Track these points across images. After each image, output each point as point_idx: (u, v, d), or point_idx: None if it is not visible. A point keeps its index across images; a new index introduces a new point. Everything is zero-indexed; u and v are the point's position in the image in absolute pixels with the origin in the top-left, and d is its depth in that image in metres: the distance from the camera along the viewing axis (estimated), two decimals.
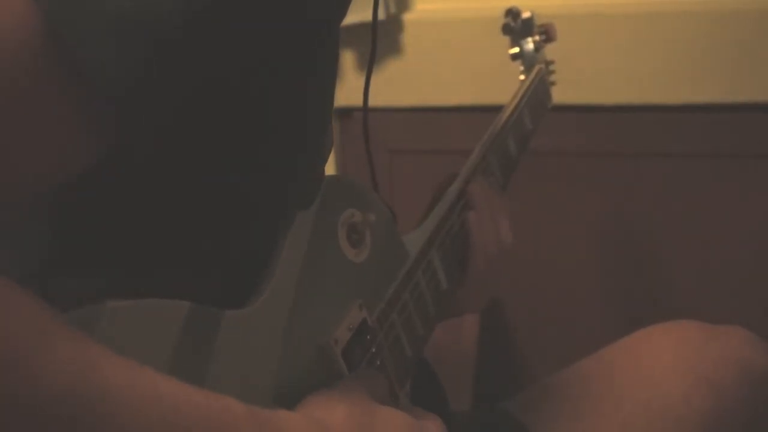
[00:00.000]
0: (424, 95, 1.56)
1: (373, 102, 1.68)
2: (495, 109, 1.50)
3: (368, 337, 0.62)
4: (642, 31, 1.48)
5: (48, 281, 0.50)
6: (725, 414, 0.80)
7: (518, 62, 1.16)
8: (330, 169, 1.75)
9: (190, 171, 0.52)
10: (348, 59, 1.55)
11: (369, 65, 0.78)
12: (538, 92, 1.08)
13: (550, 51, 1.51)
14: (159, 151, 0.50)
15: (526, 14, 1.15)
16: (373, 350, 0.62)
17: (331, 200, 0.60)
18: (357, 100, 1.58)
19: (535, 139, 1.57)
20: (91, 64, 0.42)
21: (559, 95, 1.53)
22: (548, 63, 1.18)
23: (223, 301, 0.51)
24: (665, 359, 0.83)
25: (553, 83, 1.17)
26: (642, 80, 1.50)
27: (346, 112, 1.61)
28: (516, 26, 1.14)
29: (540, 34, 1.16)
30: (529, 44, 1.15)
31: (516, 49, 1.15)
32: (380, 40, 1.62)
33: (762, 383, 0.83)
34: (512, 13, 1.13)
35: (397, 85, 1.55)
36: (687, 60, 1.47)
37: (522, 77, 1.13)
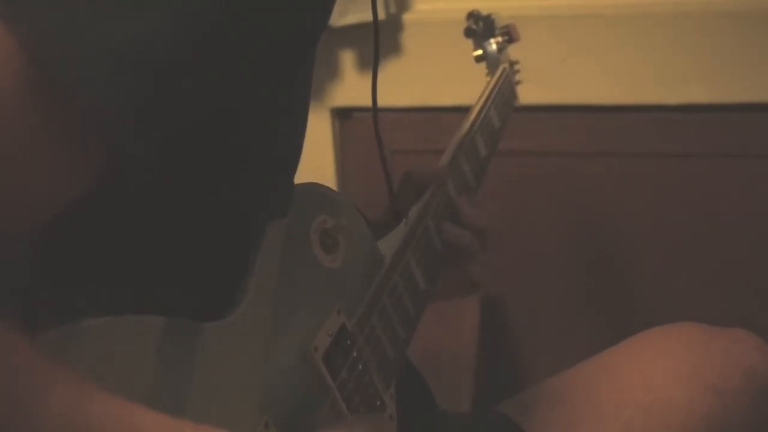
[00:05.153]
0: (424, 95, 1.56)
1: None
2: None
3: (348, 342, 0.62)
4: (642, 32, 1.48)
5: (32, 296, 0.50)
6: (728, 419, 0.78)
7: (483, 64, 1.18)
8: (329, 169, 1.76)
9: (171, 187, 0.52)
10: (348, 59, 1.55)
11: (374, 67, 0.78)
12: (504, 92, 1.09)
13: (551, 52, 1.51)
14: (145, 168, 0.50)
15: (487, 16, 1.16)
16: (355, 355, 0.62)
17: (303, 208, 0.60)
18: (357, 100, 1.58)
19: (535, 139, 1.58)
20: (86, 98, 0.42)
21: (559, 95, 1.53)
22: (512, 63, 1.19)
23: (200, 314, 0.51)
24: (668, 363, 0.82)
25: (518, 82, 1.19)
26: (642, 80, 1.50)
27: (346, 112, 1.61)
28: (478, 29, 1.16)
29: (502, 35, 1.17)
30: (492, 45, 1.16)
31: (479, 51, 1.17)
32: (380, 40, 1.62)
33: (765, 387, 0.81)
34: (473, 15, 1.15)
35: (397, 85, 1.54)
36: (687, 60, 1.47)
37: (488, 78, 1.14)
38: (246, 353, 0.53)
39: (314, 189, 0.62)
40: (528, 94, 1.53)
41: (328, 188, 0.63)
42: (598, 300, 1.64)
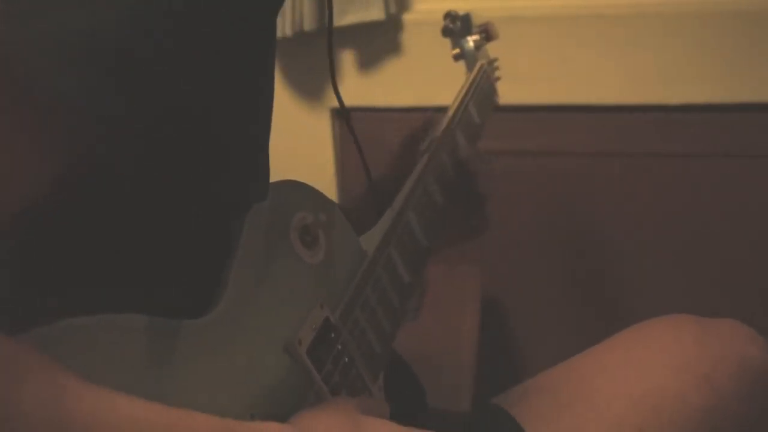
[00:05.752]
0: (424, 95, 1.56)
1: (373, 102, 1.68)
2: (493, 110, 1.49)
3: (332, 334, 0.62)
4: (642, 31, 1.48)
5: (9, 298, 0.50)
6: (721, 410, 0.78)
7: (462, 62, 1.19)
8: (329, 169, 1.75)
9: (150, 181, 0.52)
10: (348, 59, 1.55)
11: (331, 69, 0.79)
12: (482, 88, 1.10)
13: (551, 52, 1.51)
14: (115, 163, 0.49)
15: (464, 15, 1.17)
16: (339, 347, 0.62)
17: (281, 205, 0.60)
18: (357, 100, 1.58)
19: (535, 139, 1.58)
20: (53, 90, 0.42)
21: (560, 95, 1.54)
22: (491, 60, 1.19)
23: (180, 312, 0.50)
24: (661, 354, 0.82)
25: (498, 79, 1.19)
26: (642, 80, 1.50)
27: (346, 113, 1.61)
28: (455, 28, 1.16)
29: (479, 33, 1.17)
30: (470, 43, 1.17)
31: (457, 50, 1.17)
32: (380, 40, 1.62)
33: (760, 380, 0.81)
34: (450, 15, 1.16)
35: (397, 85, 1.55)
36: (687, 60, 1.47)
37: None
38: (228, 350, 0.53)
39: (291, 186, 0.62)
40: (529, 94, 1.53)
41: (305, 185, 0.63)
42: (598, 300, 1.64)
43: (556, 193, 1.61)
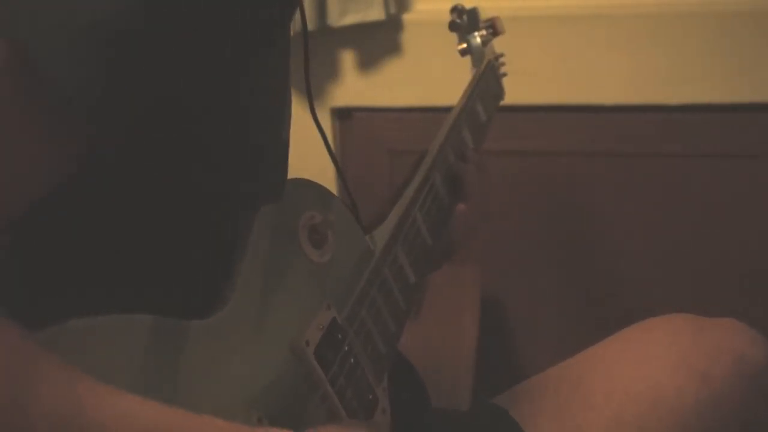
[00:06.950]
0: (424, 95, 1.56)
1: (373, 102, 1.68)
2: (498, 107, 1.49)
3: (339, 336, 0.62)
4: (642, 31, 1.48)
5: (16, 300, 0.50)
6: (718, 405, 0.79)
7: (468, 57, 1.18)
8: (329, 169, 1.75)
9: (145, 179, 0.52)
10: (348, 59, 1.55)
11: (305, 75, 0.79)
12: (489, 84, 1.09)
13: (551, 52, 1.51)
14: (121, 159, 0.49)
15: (471, 9, 1.16)
16: (346, 348, 0.62)
17: (290, 204, 0.60)
18: (357, 100, 1.58)
19: (535, 139, 1.58)
20: (60, 80, 0.43)
21: (559, 95, 1.53)
22: (498, 56, 1.19)
23: (188, 312, 0.51)
24: (657, 351, 0.83)
25: (504, 75, 1.18)
26: (642, 80, 1.50)
27: (346, 112, 1.61)
28: (462, 22, 1.15)
29: (486, 28, 1.16)
30: (477, 39, 1.16)
31: (464, 45, 1.16)
32: (380, 40, 1.62)
33: (755, 374, 0.82)
34: (457, 10, 1.15)
35: (397, 85, 1.55)
36: (687, 60, 1.47)
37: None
38: (235, 350, 0.53)
39: (301, 184, 0.63)
40: (528, 93, 1.53)
41: (314, 183, 0.63)
42: (598, 300, 1.64)
43: (556, 193, 1.61)
